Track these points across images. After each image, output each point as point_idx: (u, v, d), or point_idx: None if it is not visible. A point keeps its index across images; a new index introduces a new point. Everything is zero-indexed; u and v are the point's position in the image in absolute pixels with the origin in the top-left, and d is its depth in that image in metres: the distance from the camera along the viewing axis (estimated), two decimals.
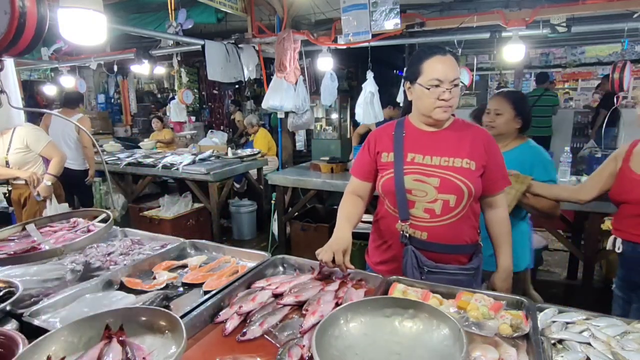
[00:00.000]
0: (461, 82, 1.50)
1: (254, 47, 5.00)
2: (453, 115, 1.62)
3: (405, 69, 1.59)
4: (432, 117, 1.51)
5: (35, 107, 7.36)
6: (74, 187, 4.29)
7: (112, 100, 10.17)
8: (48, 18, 1.33)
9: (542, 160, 2.06)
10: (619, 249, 1.81)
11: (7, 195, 3.58)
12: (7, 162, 3.30)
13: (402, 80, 1.65)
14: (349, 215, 1.61)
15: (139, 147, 6.22)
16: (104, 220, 1.87)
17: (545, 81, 6.89)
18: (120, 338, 1.00)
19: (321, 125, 8.61)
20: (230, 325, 1.20)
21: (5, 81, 1.55)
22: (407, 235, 1.53)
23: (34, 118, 5.45)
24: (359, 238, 2.96)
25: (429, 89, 1.46)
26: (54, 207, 3.09)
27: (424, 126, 1.59)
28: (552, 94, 7.01)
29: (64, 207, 3.10)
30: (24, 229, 1.85)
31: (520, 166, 1.98)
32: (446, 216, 1.51)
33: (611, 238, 1.86)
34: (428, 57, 1.48)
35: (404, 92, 1.63)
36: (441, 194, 1.49)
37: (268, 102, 4.57)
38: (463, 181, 1.48)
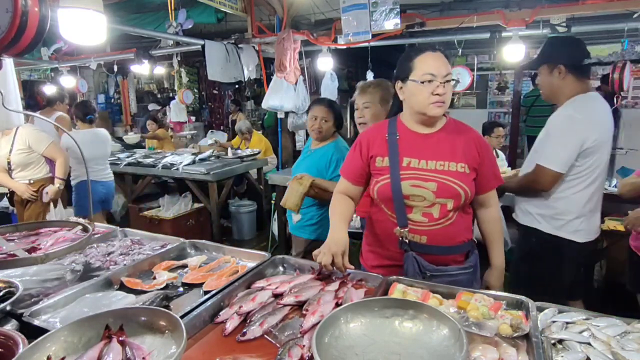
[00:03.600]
0: (454, 79, 1.48)
1: (254, 47, 5.00)
2: (445, 115, 1.60)
3: (395, 69, 1.59)
4: (426, 114, 1.48)
5: (36, 107, 7.34)
6: None
7: (112, 100, 10.16)
8: (49, 18, 1.33)
9: (338, 157, 2.38)
10: (358, 223, 2.27)
11: (8, 195, 3.58)
12: (9, 163, 3.30)
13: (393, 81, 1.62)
14: (343, 216, 1.59)
15: (139, 147, 6.22)
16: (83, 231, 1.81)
17: None
18: (120, 338, 1.00)
19: None
20: (230, 325, 1.20)
21: (4, 81, 1.55)
22: (407, 241, 1.53)
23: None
24: (357, 238, 2.96)
25: (422, 83, 1.44)
26: (59, 211, 3.08)
27: (417, 127, 1.57)
28: None
29: (69, 213, 3.09)
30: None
31: (325, 160, 2.39)
32: (444, 219, 1.51)
33: (355, 215, 2.15)
34: (419, 54, 1.48)
35: (395, 93, 1.61)
36: (439, 198, 1.48)
37: (268, 102, 4.57)
38: (460, 185, 1.48)
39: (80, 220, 1.89)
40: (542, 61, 2.04)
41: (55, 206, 3.06)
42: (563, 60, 1.95)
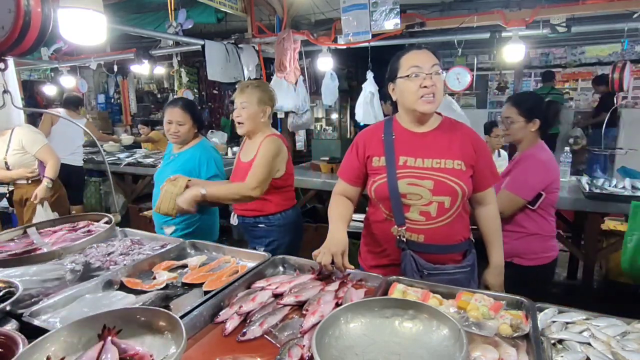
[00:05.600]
0: (442, 69, 1.49)
1: (254, 47, 5.00)
2: (440, 114, 1.61)
3: (386, 75, 1.61)
4: (417, 110, 1.49)
5: (36, 107, 7.37)
6: (67, 181, 4.30)
7: (112, 100, 10.16)
8: (52, 18, 1.33)
9: (208, 157, 2.33)
10: (235, 221, 2.35)
11: (7, 195, 3.57)
12: (6, 163, 3.29)
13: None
14: (341, 216, 1.59)
15: (139, 147, 6.22)
16: (107, 223, 1.89)
17: (552, 79, 6.86)
18: (111, 338, 0.99)
19: (321, 125, 8.61)
20: (230, 325, 1.20)
21: (7, 81, 1.55)
22: (405, 239, 1.53)
23: (33, 118, 5.48)
24: (356, 238, 2.95)
25: (408, 76, 1.46)
26: (44, 213, 3.07)
27: (412, 126, 1.58)
28: (558, 92, 7.00)
29: (54, 215, 3.07)
30: (25, 232, 1.86)
31: (193, 162, 2.31)
32: (441, 217, 1.51)
33: (233, 214, 2.33)
34: (404, 54, 1.52)
35: (390, 97, 1.62)
36: (436, 196, 1.49)
37: None
38: (456, 182, 1.48)
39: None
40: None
41: (42, 206, 3.05)
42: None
